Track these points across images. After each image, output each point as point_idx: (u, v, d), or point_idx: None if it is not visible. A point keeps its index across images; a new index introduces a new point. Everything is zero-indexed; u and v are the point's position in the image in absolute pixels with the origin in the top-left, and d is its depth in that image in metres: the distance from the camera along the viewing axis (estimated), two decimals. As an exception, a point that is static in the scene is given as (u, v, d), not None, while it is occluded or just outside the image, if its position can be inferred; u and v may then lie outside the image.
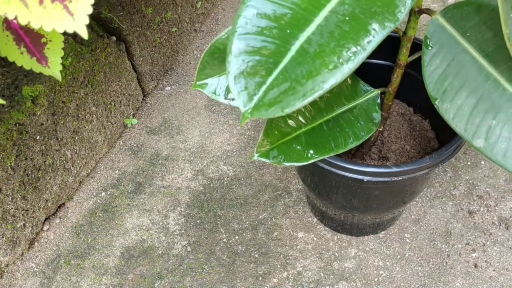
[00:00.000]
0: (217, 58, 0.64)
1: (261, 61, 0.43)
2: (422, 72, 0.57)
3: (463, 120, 0.55)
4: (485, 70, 0.54)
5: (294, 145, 0.62)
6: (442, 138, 0.79)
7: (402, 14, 0.44)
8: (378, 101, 0.70)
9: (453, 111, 0.55)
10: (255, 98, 0.42)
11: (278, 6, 0.44)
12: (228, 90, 0.63)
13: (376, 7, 0.45)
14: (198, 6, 1.19)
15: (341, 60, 0.43)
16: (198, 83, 0.64)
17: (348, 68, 0.42)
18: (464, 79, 0.55)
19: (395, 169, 0.65)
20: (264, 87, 0.42)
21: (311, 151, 0.62)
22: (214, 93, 0.63)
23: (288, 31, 0.43)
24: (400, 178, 0.66)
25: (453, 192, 0.95)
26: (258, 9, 0.44)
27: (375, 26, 0.44)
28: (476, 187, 0.96)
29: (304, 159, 0.61)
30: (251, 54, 0.43)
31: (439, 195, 0.95)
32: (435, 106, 0.56)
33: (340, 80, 0.42)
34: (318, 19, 0.44)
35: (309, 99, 0.42)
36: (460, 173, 0.98)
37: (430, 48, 0.56)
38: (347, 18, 0.44)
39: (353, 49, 0.43)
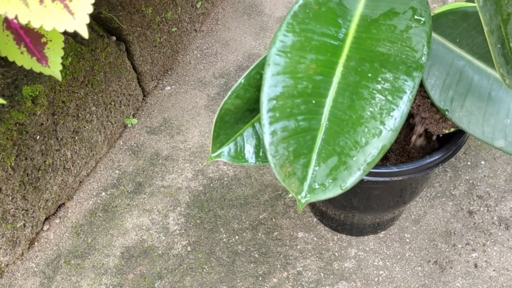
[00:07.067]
0: (229, 121, 0.58)
1: (299, 141, 0.40)
2: (424, 86, 0.56)
3: (478, 124, 0.54)
4: (484, 71, 0.54)
5: None
6: (442, 138, 0.79)
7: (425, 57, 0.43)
8: None
9: (466, 118, 0.55)
10: (307, 182, 0.39)
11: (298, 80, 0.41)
12: (258, 152, 0.58)
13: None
14: (198, 6, 1.19)
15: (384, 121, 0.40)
16: (213, 155, 0.57)
17: (395, 128, 0.40)
18: (467, 84, 0.55)
19: (395, 169, 0.65)
20: (311, 167, 0.40)
21: None
22: (235, 157, 0.58)
23: (314, 101, 0.41)
24: (400, 178, 0.66)
25: (453, 192, 0.95)
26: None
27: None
28: (476, 187, 0.96)
29: None
30: (287, 139, 0.40)
31: (439, 195, 0.95)
32: (448, 116, 0.55)
33: (390, 144, 0.40)
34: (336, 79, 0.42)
35: (366, 170, 0.40)
36: (460, 173, 0.98)
37: None
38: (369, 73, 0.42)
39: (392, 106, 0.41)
